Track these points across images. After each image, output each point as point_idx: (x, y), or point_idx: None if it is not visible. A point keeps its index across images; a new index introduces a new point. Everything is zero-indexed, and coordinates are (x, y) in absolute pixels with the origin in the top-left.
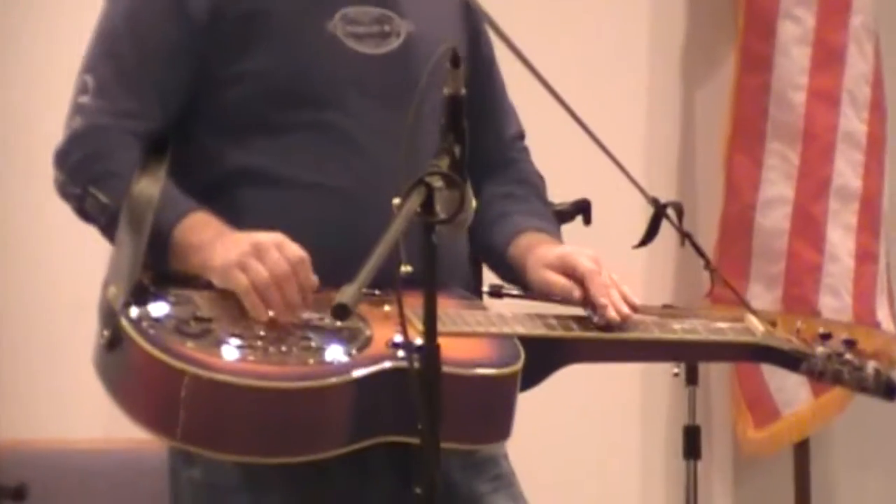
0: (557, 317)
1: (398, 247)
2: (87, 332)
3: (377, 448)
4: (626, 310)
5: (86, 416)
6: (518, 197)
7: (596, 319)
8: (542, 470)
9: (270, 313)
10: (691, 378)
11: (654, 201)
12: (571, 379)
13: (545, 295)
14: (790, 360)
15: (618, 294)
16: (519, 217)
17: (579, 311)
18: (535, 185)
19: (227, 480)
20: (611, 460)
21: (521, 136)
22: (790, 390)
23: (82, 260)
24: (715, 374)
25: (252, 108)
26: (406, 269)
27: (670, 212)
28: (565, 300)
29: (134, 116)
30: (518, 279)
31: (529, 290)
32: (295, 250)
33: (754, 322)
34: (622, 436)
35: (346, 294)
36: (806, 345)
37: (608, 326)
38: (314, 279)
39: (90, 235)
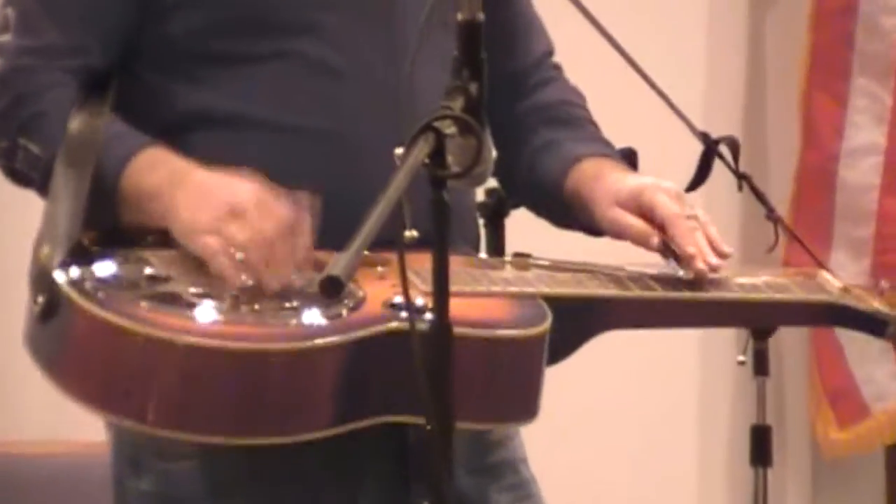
0: (589, 271)
1: (401, 207)
2: (21, 318)
3: (369, 445)
4: (714, 260)
5: (25, 416)
6: (565, 120)
7: (682, 274)
8: (580, 478)
9: (243, 278)
10: (760, 367)
11: (704, 136)
12: (616, 369)
13: (617, 237)
14: (872, 323)
15: (705, 240)
16: (572, 143)
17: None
18: (579, 104)
19: (183, 490)
20: (663, 467)
21: (552, 52)
22: (881, 382)
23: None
24: (789, 362)
25: (206, 38)
26: (412, 234)
27: (723, 149)
28: (642, 246)
29: (66, 53)
30: (580, 218)
31: (596, 231)
32: (280, 210)
33: (828, 279)
34: (676, 437)
35: (338, 265)
36: (892, 307)
37: (693, 282)
38: (307, 241)
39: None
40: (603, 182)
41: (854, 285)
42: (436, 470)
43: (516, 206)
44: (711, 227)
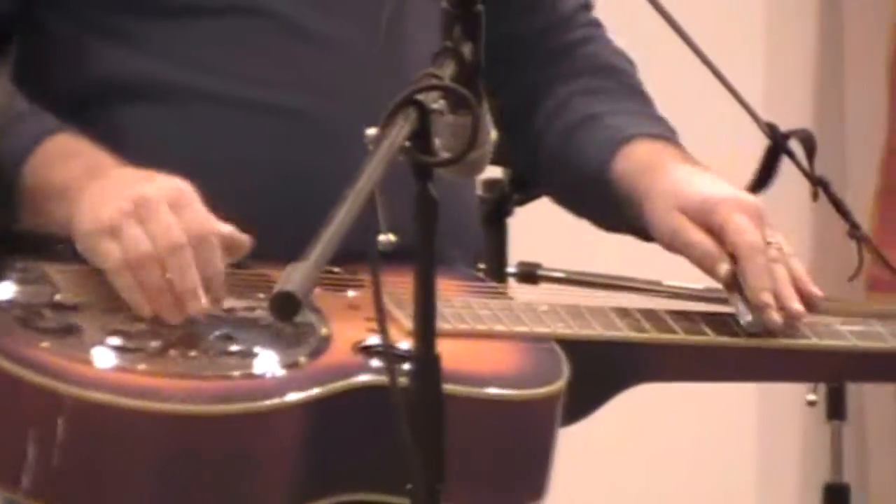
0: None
1: (375, 203)
2: None
3: None
4: (797, 307)
5: None
6: (608, 91)
7: (745, 322)
8: None
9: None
10: (836, 410)
11: (771, 129)
12: (658, 412)
13: (675, 252)
14: None
15: (786, 278)
16: (619, 118)
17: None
18: (624, 70)
19: None
20: None
21: (589, 5)
22: None
23: None
24: (872, 403)
25: None
26: (388, 238)
27: (794, 144)
28: (704, 272)
29: None
30: (629, 217)
31: (647, 235)
32: (201, 216)
33: None
34: (732, 498)
35: (293, 278)
36: None
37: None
38: (221, 266)
39: None
40: (663, 175)
41: None
42: None
43: (523, 202)
44: (795, 260)
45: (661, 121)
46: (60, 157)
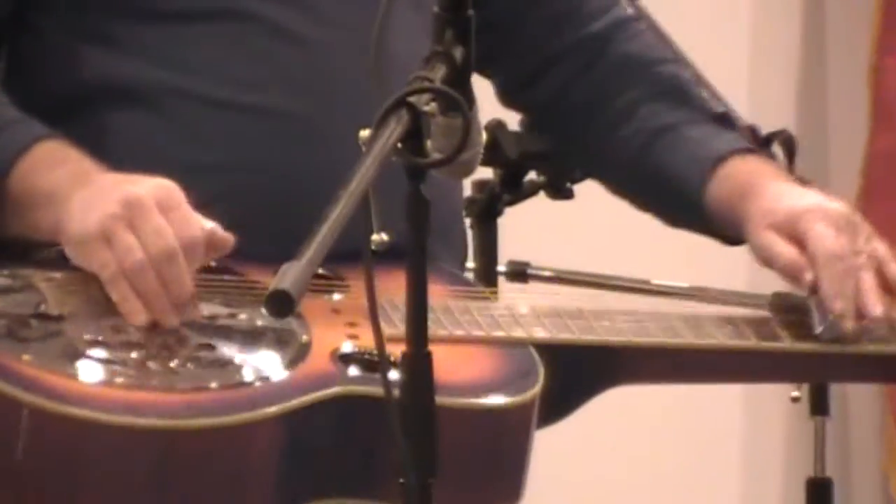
0: (600, 311)
1: (368, 204)
2: None
3: None
4: (877, 311)
5: None
6: (673, 89)
7: (819, 331)
8: None
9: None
10: (819, 405)
11: (752, 132)
12: (638, 406)
13: (766, 266)
14: None
15: (872, 285)
16: (700, 131)
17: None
18: (675, 59)
19: None
20: None
21: None
22: None
23: None
24: (856, 399)
25: None
26: (381, 238)
27: (776, 147)
28: (792, 283)
29: None
30: (718, 228)
31: (728, 239)
32: (189, 217)
33: None
34: (716, 492)
35: (287, 277)
36: None
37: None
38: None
39: None
40: (760, 197)
41: None
42: None
43: (512, 202)
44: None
45: (732, 123)
46: (47, 164)
